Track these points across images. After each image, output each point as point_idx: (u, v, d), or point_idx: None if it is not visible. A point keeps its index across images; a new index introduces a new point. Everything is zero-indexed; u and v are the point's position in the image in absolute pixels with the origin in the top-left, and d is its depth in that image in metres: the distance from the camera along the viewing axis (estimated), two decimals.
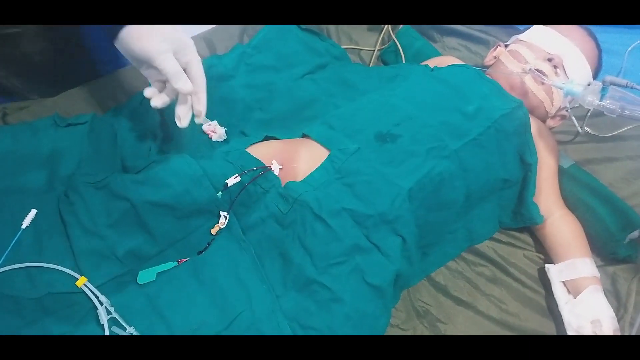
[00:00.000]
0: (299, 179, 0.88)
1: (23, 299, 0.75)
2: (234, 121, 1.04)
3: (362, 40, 1.32)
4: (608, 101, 0.84)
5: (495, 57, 1.12)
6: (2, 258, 0.76)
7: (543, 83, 1.01)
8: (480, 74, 1.02)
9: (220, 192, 0.82)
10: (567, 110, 1.08)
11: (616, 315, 0.88)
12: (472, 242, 1.00)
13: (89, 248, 0.79)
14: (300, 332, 0.78)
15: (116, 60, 1.18)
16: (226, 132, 1.00)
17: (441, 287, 0.96)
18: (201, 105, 0.85)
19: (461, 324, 0.92)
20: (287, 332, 0.77)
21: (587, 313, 0.86)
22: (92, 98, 1.11)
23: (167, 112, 1.05)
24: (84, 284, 0.76)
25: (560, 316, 0.89)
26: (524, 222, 1.01)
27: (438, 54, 1.24)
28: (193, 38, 1.25)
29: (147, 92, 0.86)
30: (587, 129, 1.04)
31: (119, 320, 0.76)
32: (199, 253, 0.83)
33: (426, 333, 0.90)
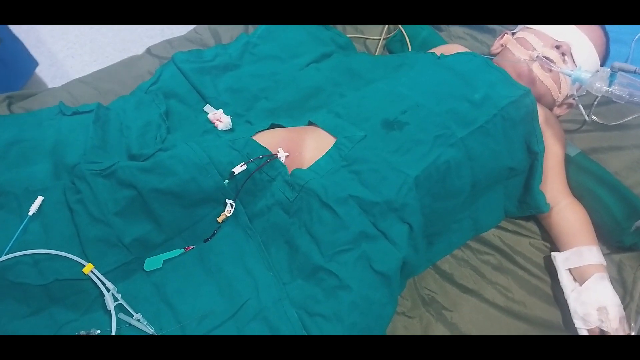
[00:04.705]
0: (305, 166, 0.88)
1: (30, 286, 0.75)
2: (240, 110, 1.04)
3: (367, 30, 1.31)
4: (616, 87, 0.83)
5: (502, 45, 1.11)
6: (9, 245, 0.76)
7: (551, 70, 1.00)
8: (487, 62, 1.01)
9: (226, 180, 0.82)
10: (574, 98, 1.07)
11: (622, 303, 0.88)
12: (478, 231, 1.00)
13: (96, 236, 0.79)
14: (307, 320, 0.78)
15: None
16: (232, 121, 1.00)
17: (447, 275, 0.96)
18: None
19: (467, 312, 0.92)
20: (294, 319, 0.77)
21: (593, 300, 0.86)
22: (97, 87, 1.11)
23: (173, 100, 1.06)
24: (91, 271, 0.77)
25: (566, 304, 0.89)
26: (530, 211, 1.00)
27: (444, 43, 1.23)
28: (198, 28, 1.27)
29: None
30: (593, 117, 1.03)
31: (126, 307, 0.76)
32: (206, 241, 0.84)
33: (432, 321, 0.90)
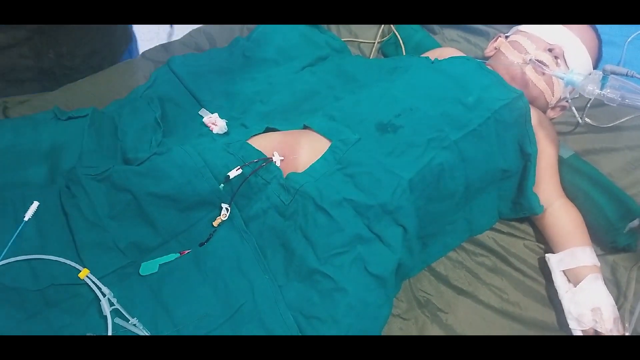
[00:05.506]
0: (300, 170, 0.88)
1: (26, 291, 0.75)
2: (235, 114, 1.04)
3: (362, 33, 1.32)
4: (608, 90, 0.84)
5: (495, 48, 1.12)
6: (5, 250, 0.76)
7: (544, 73, 1.01)
8: (481, 65, 1.02)
9: (222, 184, 0.82)
10: (567, 101, 1.08)
11: (616, 303, 0.89)
12: (472, 232, 1.00)
13: (92, 240, 0.79)
14: (303, 322, 0.78)
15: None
16: (227, 125, 1.01)
17: (442, 277, 0.96)
18: None
19: (462, 314, 0.92)
20: (290, 322, 0.78)
21: (588, 301, 0.86)
22: (92, 91, 1.11)
23: (168, 104, 1.06)
24: (87, 276, 0.77)
25: (561, 305, 0.89)
26: (523, 213, 1.01)
27: (438, 46, 1.24)
28: (193, 31, 1.27)
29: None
30: (587, 119, 1.04)
31: (122, 311, 0.76)
32: (201, 244, 0.84)
33: (428, 322, 0.91)
